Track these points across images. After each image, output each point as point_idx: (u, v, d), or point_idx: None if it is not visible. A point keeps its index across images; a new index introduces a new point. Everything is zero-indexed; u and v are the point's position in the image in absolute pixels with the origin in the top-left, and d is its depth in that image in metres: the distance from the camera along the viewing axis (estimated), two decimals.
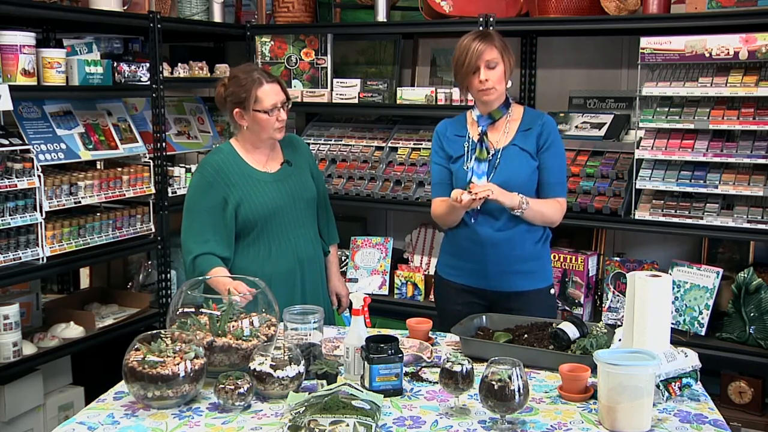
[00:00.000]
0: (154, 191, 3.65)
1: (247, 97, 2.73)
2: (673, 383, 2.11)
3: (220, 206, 2.77)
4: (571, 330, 2.39)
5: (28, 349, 3.20)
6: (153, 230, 3.67)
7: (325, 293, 3.05)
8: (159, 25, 3.62)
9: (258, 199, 2.80)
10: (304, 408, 1.93)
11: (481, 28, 2.66)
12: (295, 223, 2.87)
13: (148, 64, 3.62)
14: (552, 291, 2.85)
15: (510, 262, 2.73)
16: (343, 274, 4.05)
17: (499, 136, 2.75)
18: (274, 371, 2.10)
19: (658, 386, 2.07)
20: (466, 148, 2.76)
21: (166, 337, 2.14)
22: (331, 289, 3.12)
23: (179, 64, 3.90)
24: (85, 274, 4.24)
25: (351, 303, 2.37)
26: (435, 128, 2.88)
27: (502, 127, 2.75)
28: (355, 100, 4.02)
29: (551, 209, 2.74)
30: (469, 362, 2.06)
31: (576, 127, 3.80)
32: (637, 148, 3.40)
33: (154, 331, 2.17)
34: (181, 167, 3.87)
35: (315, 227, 2.99)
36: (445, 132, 2.83)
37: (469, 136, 2.78)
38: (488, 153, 2.72)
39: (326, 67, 4.13)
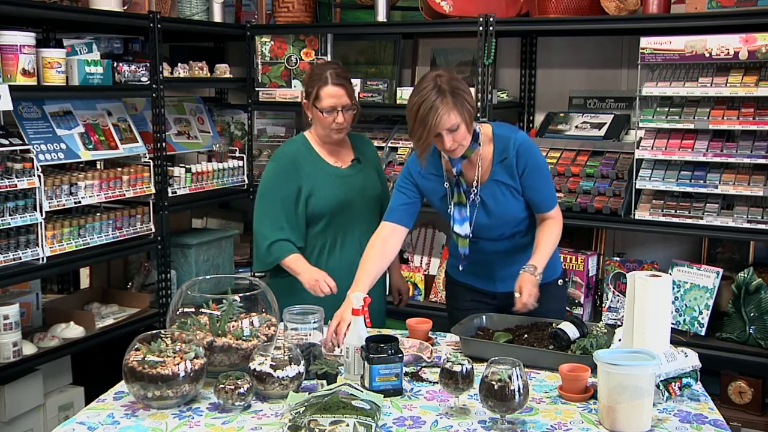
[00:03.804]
0: (154, 191, 3.64)
1: (311, 92, 2.85)
2: (673, 383, 2.11)
3: (294, 195, 2.87)
4: (571, 330, 2.39)
5: (28, 349, 3.20)
6: (153, 230, 3.67)
7: (384, 291, 3.09)
8: (159, 25, 3.62)
9: (328, 191, 2.89)
10: (304, 408, 1.93)
11: (433, 83, 2.43)
12: (361, 218, 2.95)
13: (148, 64, 3.62)
14: (560, 282, 2.83)
15: (514, 264, 2.67)
16: None
17: (476, 171, 2.62)
18: (274, 371, 2.10)
19: (658, 386, 2.07)
20: (447, 189, 2.65)
21: (166, 337, 2.14)
22: (393, 284, 3.19)
23: (179, 64, 3.90)
24: (85, 274, 4.23)
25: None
26: (407, 163, 2.73)
27: (476, 161, 2.61)
28: None
29: (553, 235, 2.65)
30: (469, 362, 2.06)
31: (576, 127, 3.80)
32: (637, 148, 3.40)
33: (154, 331, 2.17)
34: (181, 167, 3.87)
35: (378, 224, 2.99)
36: (420, 170, 2.67)
37: (445, 175, 2.65)
38: (467, 197, 2.64)
39: None
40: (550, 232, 2.65)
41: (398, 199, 2.72)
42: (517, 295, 2.52)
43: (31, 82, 3.11)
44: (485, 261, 2.73)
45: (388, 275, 3.17)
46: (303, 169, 2.89)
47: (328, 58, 4.11)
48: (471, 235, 2.67)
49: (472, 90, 3.67)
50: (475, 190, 2.64)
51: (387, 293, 3.19)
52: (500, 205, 2.64)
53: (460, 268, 2.73)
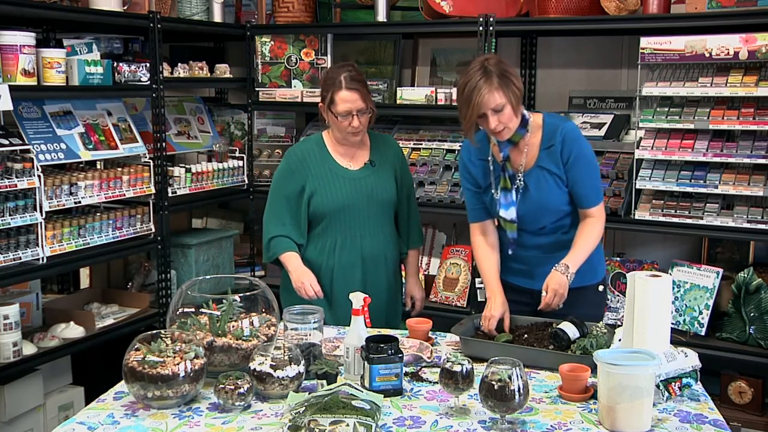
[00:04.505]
0: (154, 191, 3.64)
1: (326, 96, 2.85)
2: (673, 383, 2.11)
3: (299, 193, 2.91)
4: (571, 330, 2.39)
5: (28, 349, 3.20)
6: (153, 230, 3.67)
7: (390, 295, 3.05)
8: (159, 25, 3.62)
9: (331, 192, 2.89)
10: (304, 408, 1.93)
11: (480, 65, 2.49)
12: (365, 222, 2.93)
13: (148, 64, 3.62)
14: (600, 288, 2.78)
15: (553, 261, 2.63)
16: None
17: (522, 158, 2.63)
18: (274, 371, 2.10)
19: (658, 386, 2.07)
20: (492, 175, 2.68)
21: (166, 337, 2.14)
22: (407, 290, 3.15)
23: (179, 64, 3.90)
24: (85, 274, 4.23)
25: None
26: (460, 154, 2.80)
27: (523, 148, 2.63)
28: None
29: (592, 237, 2.62)
30: (469, 362, 2.06)
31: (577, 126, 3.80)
32: (637, 148, 3.40)
33: (154, 331, 2.17)
34: (181, 167, 3.87)
35: (388, 229, 3.01)
36: (470, 157, 2.73)
37: (493, 160, 2.68)
38: (512, 183, 2.64)
39: (326, 67, 4.12)
40: (589, 232, 2.63)
41: (470, 199, 2.79)
42: (544, 293, 2.52)
43: (31, 82, 3.11)
44: (525, 256, 2.72)
45: (404, 280, 3.16)
46: (310, 169, 2.91)
47: (328, 58, 4.11)
48: (516, 219, 2.66)
49: None
50: (521, 176, 2.64)
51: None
52: (542, 192, 2.63)
53: (510, 252, 2.73)
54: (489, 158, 2.69)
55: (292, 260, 2.89)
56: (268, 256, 2.96)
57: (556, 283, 2.51)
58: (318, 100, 4.17)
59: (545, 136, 2.63)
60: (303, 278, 2.84)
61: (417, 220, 3.13)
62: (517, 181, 2.64)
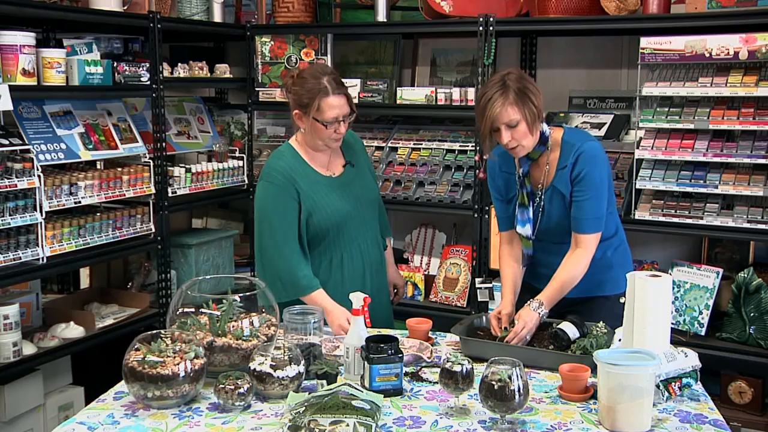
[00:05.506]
0: (154, 191, 3.65)
1: (309, 103, 2.61)
2: (673, 383, 2.11)
3: (297, 212, 2.67)
4: (571, 330, 2.39)
5: (28, 349, 3.20)
6: (153, 230, 3.67)
7: (387, 293, 2.99)
8: (159, 25, 3.62)
9: (328, 206, 2.70)
10: (304, 408, 1.93)
11: (500, 78, 2.48)
12: (362, 227, 2.80)
13: (148, 64, 3.62)
14: (622, 300, 2.74)
15: None
16: None
17: (542, 175, 2.61)
18: (274, 371, 2.10)
19: (658, 386, 2.07)
20: (517, 188, 2.67)
21: (166, 337, 2.14)
22: (389, 280, 3.02)
23: (179, 64, 3.91)
24: (85, 274, 4.23)
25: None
26: (488, 164, 2.77)
27: (543, 165, 2.60)
28: (355, 100, 4.00)
29: (572, 273, 2.54)
30: (469, 362, 2.06)
31: (576, 127, 3.80)
32: (637, 148, 3.40)
33: (154, 331, 2.17)
34: (181, 167, 3.87)
35: (377, 228, 2.91)
36: (495, 168, 2.72)
37: (517, 174, 2.65)
38: (530, 199, 2.62)
39: None
40: (571, 268, 2.55)
41: (500, 208, 2.77)
42: (515, 321, 2.48)
43: (31, 82, 3.11)
44: (551, 261, 2.69)
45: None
46: (299, 184, 2.67)
47: (328, 58, 4.10)
48: (533, 237, 2.65)
49: (472, 90, 3.70)
50: (540, 194, 2.62)
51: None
52: (555, 211, 2.61)
53: (522, 268, 2.73)
54: (513, 171, 2.67)
55: (324, 297, 2.65)
56: (288, 294, 2.63)
57: (527, 319, 2.46)
58: None
59: (561, 155, 2.58)
60: (344, 318, 2.59)
61: (384, 208, 3.04)
62: (537, 198, 2.63)
